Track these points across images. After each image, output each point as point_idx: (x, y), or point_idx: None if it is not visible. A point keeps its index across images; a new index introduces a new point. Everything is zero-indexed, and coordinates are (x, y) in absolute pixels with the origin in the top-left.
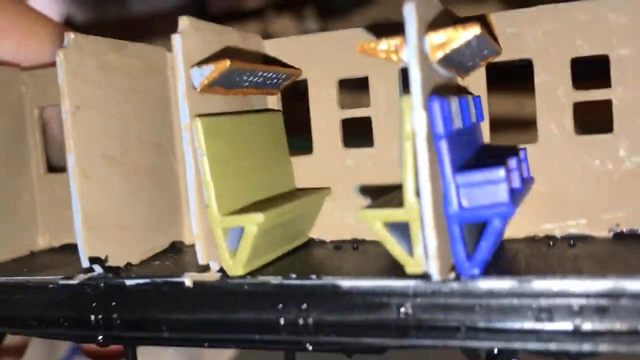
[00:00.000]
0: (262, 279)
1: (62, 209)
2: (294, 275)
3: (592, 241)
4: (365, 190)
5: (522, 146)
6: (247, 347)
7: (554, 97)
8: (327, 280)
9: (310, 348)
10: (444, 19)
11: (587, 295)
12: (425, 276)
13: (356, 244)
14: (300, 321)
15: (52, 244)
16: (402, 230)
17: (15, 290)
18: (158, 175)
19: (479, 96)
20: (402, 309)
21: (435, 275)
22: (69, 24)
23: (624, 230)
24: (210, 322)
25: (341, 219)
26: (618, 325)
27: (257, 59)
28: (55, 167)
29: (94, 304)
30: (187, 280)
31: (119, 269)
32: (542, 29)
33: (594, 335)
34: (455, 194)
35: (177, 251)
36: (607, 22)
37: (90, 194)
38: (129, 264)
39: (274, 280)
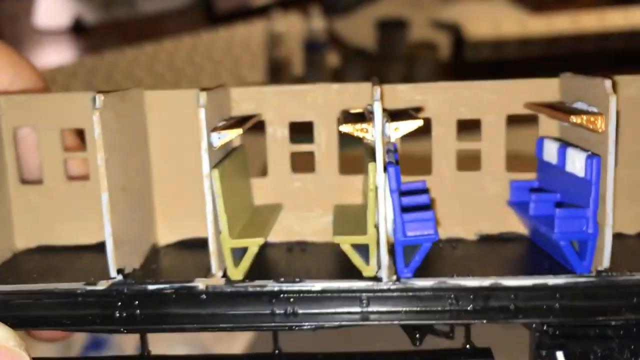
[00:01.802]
0: (259, 282)
1: (37, 215)
2: (282, 279)
3: (465, 242)
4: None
5: (422, 178)
6: (249, 330)
7: (444, 145)
8: (308, 282)
9: (296, 328)
10: (397, 110)
11: (478, 288)
12: (377, 278)
13: (303, 246)
14: (290, 311)
15: (29, 246)
16: (359, 247)
17: (43, 295)
18: (142, 193)
19: (395, 143)
20: (363, 301)
21: (385, 278)
22: (79, 24)
23: (485, 234)
24: (220, 315)
25: (290, 226)
26: (496, 305)
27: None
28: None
29: (119, 304)
30: (201, 284)
31: (130, 274)
32: (439, 98)
33: (482, 311)
34: (402, 227)
35: (157, 253)
36: (481, 97)
37: (114, 221)
38: (134, 270)
39: (269, 283)
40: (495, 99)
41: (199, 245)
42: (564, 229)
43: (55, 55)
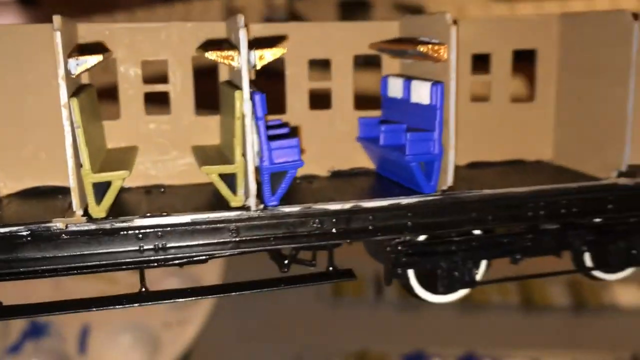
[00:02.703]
0: (125, 218)
1: None
2: (149, 214)
3: (320, 178)
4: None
5: (275, 117)
6: (115, 269)
7: (298, 84)
8: (176, 215)
9: (156, 265)
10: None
11: (340, 211)
12: (245, 208)
13: (162, 189)
14: (158, 246)
15: None
16: (227, 178)
17: None
18: None
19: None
20: (233, 231)
21: (253, 206)
22: None
23: (337, 170)
24: (81, 255)
25: (145, 170)
26: (357, 226)
27: (99, 47)
28: None
29: None
30: (60, 224)
31: None
32: (292, 39)
33: (345, 232)
34: (268, 154)
35: None
36: (332, 37)
37: None
38: None
39: (136, 218)
40: (343, 39)
41: (47, 192)
42: (414, 151)
43: None
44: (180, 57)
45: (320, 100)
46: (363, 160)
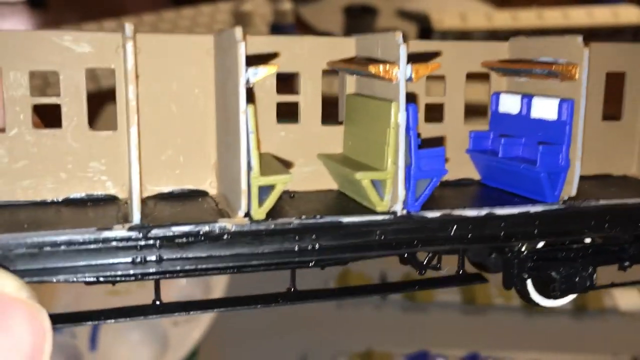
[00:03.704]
0: (283, 220)
1: None
2: (304, 217)
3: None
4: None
5: None
6: (270, 269)
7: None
8: (329, 218)
9: (310, 265)
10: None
11: (476, 218)
12: (391, 212)
13: (291, 194)
14: (310, 247)
15: None
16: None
17: (51, 245)
18: None
19: None
20: (379, 233)
21: (399, 211)
22: None
23: (445, 180)
24: (245, 254)
25: None
26: (489, 232)
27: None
28: None
29: (140, 247)
30: (228, 224)
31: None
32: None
33: (479, 238)
34: (417, 162)
35: (145, 204)
36: (446, 55)
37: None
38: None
39: (294, 220)
40: (456, 57)
41: (185, 195)
42: (545, 163)
43: (11, 28)
44: (312, 71)
45: None
46: (467, 170)
